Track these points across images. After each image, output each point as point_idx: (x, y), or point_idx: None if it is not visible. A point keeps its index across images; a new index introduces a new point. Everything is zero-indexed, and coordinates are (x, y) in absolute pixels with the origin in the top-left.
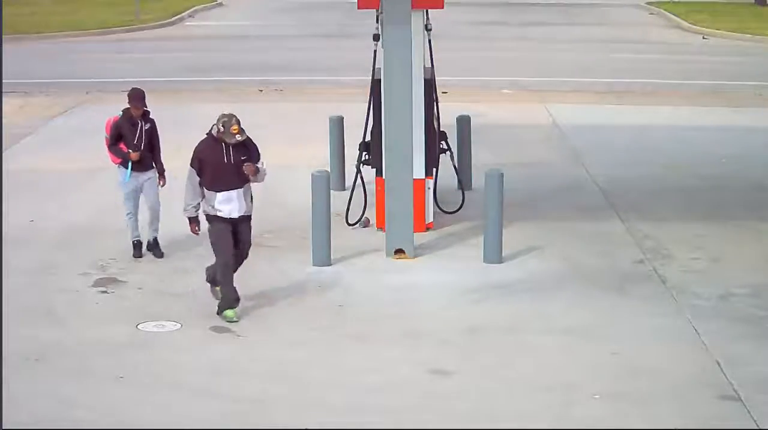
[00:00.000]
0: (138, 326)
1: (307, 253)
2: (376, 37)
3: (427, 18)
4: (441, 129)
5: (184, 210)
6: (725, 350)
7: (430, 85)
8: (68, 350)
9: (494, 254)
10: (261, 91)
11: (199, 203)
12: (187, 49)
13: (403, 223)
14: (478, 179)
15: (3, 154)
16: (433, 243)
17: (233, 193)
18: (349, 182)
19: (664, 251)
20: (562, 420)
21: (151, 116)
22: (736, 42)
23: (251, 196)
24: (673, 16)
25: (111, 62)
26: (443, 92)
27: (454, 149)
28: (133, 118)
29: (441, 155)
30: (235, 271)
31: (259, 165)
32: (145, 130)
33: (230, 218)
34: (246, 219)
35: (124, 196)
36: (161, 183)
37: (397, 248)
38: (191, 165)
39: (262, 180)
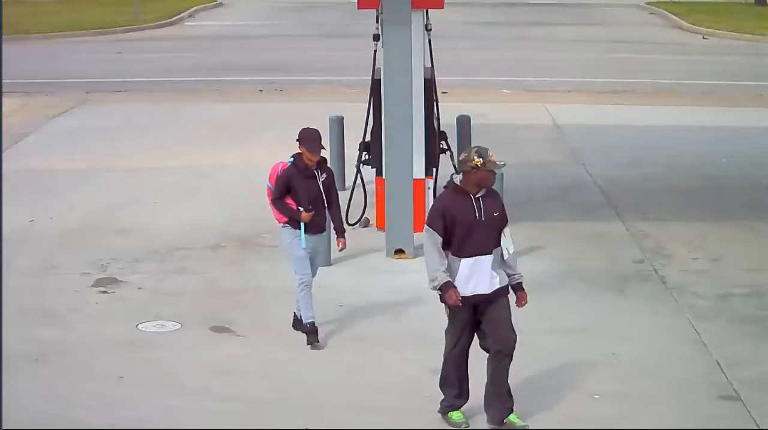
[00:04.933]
0: (138, 326)
1: None
2: (376, 37)
3: (427, 18)
4: (441, 129)
5: (433, 280)
6: (725, 350)
7: (430, 85)
8: (68, 350)
9: None
10: (261, 91)
11: (446, 266)
12: (187, 49)
13: (403, 223)
14: None
15: (3, 154)
16: None
17: (484, 259)
18: (349, 182)
19: (664, 251)
20: (562, 420)
21: (327, 164)
22: (736, 42)
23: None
24: (673, 16)
25: (111, 62)
26: (443, 92)
27: (454, 149)
28: (308, 167)
29: (441, 155)
30: (501, 381)
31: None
32: (322, 181)
33: (474, 296)
34: (502, 293)
35: (293, 261)
36: (340, 246)
37: (397, 248)
38: (431, 225)
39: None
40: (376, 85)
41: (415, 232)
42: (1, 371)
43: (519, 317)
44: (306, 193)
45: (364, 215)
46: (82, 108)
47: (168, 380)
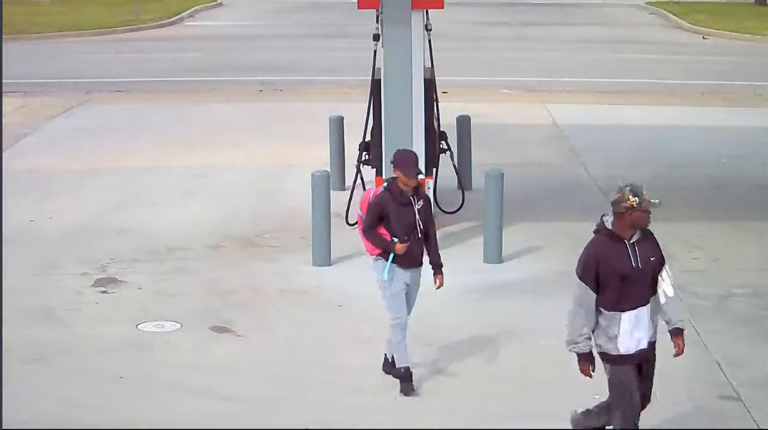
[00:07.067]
0: (138, 326)
1: (307, 253)
2: (376, 37)
3: (427, 18)
4: (441, 129)
5: (572, 343)
6: (725, 350)
7: (430, 85)
8: (68, 350)
9: (494, 254)
10: (261, 91)
11: (592, 332)
12: (187, 49)
13: None
14: (478, 179)
15: (3, 154)
16: None
17: (643, 311)
18: (349, 182)
19: (664, 250)
20: (562, 420)
21: (424, 190)
22: (736, 42)
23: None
24: (673, 16)
25: (111, 62)
26: (443, 92)
27: (454, 149)
28: (403, 193)
29: (441, 155)
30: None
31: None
32: (419, 209)
33: (637, 353)
34: (653, 347)
35: (386, 300)
36: (438, 283)
37: None
38: (583, 278)
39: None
40: (376, 85)
41: None
42: (1, 371)
43: (519, 317)
44: (402, 222)
45: None
46: (82, 108)
47: (168, 380)
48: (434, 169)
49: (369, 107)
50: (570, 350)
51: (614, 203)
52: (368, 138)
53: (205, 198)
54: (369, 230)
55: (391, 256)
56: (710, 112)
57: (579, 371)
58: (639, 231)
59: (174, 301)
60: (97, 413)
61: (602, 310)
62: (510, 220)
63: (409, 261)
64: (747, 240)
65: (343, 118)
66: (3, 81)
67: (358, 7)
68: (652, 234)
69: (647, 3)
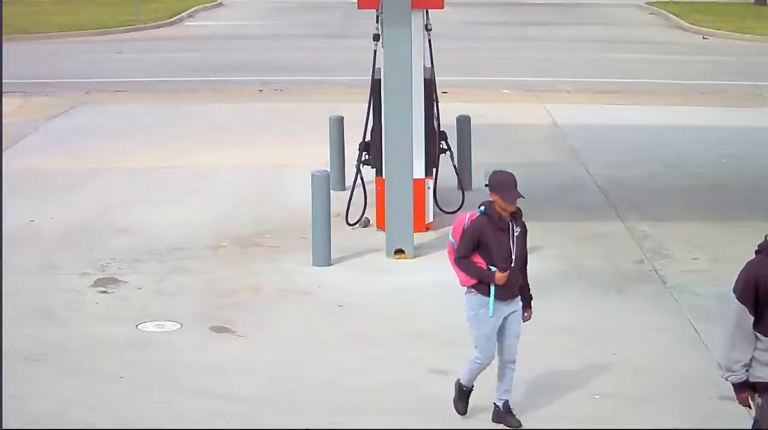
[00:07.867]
0: (138, 326)
1: (307, 253)
2: (376, 37)
3: (427, 18)
4: (441, 129)
5: (728, 370)
6: None
7: (430, 85)
8: (68, 350)
9: None
10: (261, 91)
11: (750, 361)
12: (187, 49)
13: (403, 223)
14: (478, 179)
15: (3, 154)
16: (433, 243)
17: None
18: (349, 182)
19: (664, 251)
20: (562, 420)
21: (521, 216)
22: (736, 42)
23: None
24: (673, 16)
25: (111, 62)
26: (443, 92)
27: (454, 149)
28: (501, 218)
29: (441, 155)
30: None
31: None
32: (516, 236)
33: None
34: None
35: (477, 337)
36: (527, 316)
37: (397, 248)
38: (743, 299)
39: None
40: (376, 85)
41: (414, 232)
42: (1, 371)
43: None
44: (501, 250)
45: (364, 215)
46: (82, 108)
47: (168, 380)
48: (434, 169)
49: (369, 107)
50: (726, 379)
51: None
52: (368, 138)
53: (205, 198)
54: (463, 259)
55: (493, 290)
56: (710, 112)
57: (737, 401)
58: None
59: (174, 301)
60: (97, 413)
61: (759, 336)
62: None
63: (509, 292)
64: (747, 240)
65: (343, 118)
66: (3, 81)
67: (358, 7)
68: None
69: (647, 3)
